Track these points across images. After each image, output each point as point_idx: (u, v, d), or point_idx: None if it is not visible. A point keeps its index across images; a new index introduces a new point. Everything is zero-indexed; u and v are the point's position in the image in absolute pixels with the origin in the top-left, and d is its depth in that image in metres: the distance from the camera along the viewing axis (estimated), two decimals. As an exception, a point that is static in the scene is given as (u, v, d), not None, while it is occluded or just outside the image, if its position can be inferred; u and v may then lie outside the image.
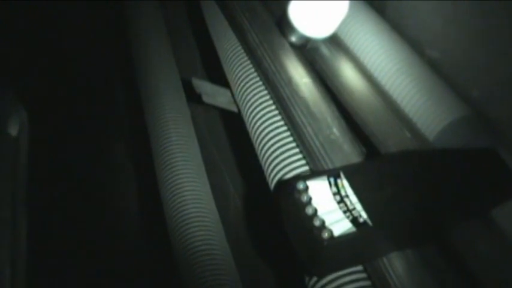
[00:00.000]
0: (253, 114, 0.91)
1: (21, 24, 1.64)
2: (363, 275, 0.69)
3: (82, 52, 1.74)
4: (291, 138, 0.84)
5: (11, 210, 0.97)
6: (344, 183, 0.63)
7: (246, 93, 0.94)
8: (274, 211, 0.69)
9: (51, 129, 1.45)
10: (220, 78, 1.09)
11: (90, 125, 1.61)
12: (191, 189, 1.11)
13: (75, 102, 1.62)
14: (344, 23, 0.90)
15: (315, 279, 0.71)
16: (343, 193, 0.62)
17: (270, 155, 0.85)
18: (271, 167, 0.84)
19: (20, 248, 0.96)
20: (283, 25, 0.93)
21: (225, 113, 1.11)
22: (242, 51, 1.00)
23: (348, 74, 0.90)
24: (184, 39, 1.60)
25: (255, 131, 0.90)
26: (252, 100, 0.92)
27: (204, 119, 1.48)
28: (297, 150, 0.82)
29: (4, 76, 1.31)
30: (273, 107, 0.89)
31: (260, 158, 0.88)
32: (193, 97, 1.11)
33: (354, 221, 0.59)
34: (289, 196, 0.63)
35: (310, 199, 0.61)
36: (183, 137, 1.21)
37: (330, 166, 0.73)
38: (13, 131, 1.06)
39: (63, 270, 1.25)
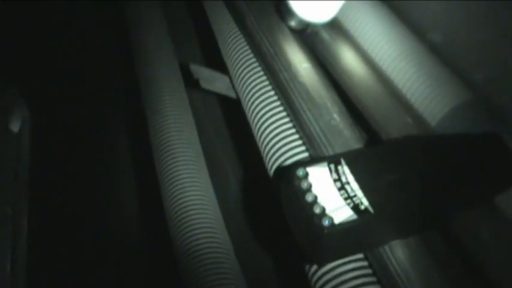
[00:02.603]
0: (252, 100, 0.90)
1: (22, 21, 1.63)
2: (364, 263, 0.68)
3: (81, 44, 1.74)
4: (290, 124, 0.83)
5: (12, 207, 0.97)
6: (345, 169, 0.62)
7: (244, 79, 0.93)
8: (275, 198, 0.68)
9: (51, 123, 1.44)
10: (218, 64, 1.08)
11: (89, 115, 1.60)
12: (190, 178, 1.11)
13: (75, 93, 1.61)
14: (344, 7, 0.89)
15: (315, 267, 0.70)
16: (343, 180, 0.61)
17: (269, 141, 0.84)
18: (270, 154, 0.83)
19: (21, 244, 0.96)
20: (283, 10, 0.92)
21: (224, 98, 1.10)
22: (241, 36, 0.99)
23: (349, 59, 0.89)
24: (182, 24, 1.59)
25: (254, 117, 0.88)
26: (251, 86, 0.91)
27: (203, 105, 1.47)
28: (296, 136, 0.81)
29: (6, 72, 1.31)
30: (272, 93, 0.87)
31: (259, 144, 0.87)
32: (191, 83, 1.10)
33: (355, 208, 0.58)
34: (288, 183, 0.62)
35: (310, 186, 0.60)
36: (181, 124, 1.20)
37: (331, 152, 0.72)
38: (15, 127, 1.06)
39: (63, 268, 1.24)
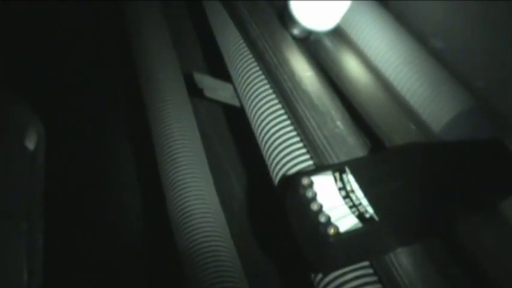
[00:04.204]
0: (256, 108, 0.90)
1: (27, 31, 1.65)
2: (370, 271, 0.68)
3: (83, 51, 1.74)
4: (294, 133, 0.83)
5: (27, 224, 0.97)
6: (349, 178, 0.62)
7: (248, 87, 0.93)
8: (279, 207, 0.68)
9: (59, 133, 1.45)
10: (222, 73, 1.08)
11: (97, 126, 1.61)
12: (194, 186, 1.11)
13: (82, 104, 1.62)
14: (347, 15, 0.89)
15: (320, 275, 0.70)
16: (348, 188, 0.61)
17: (274, 150, 0.84)
18: (274, 162, 0.83)
19: (37, 259, 0.96)
20: (285, 18, 0.92)
21: (227, 107, 1.10)
22: (244, 44, 0.99)
23: (352, 67, 0.90)
24: (185, 33, 1.59)
25: (258, 125, 0.89)
26: (255, 94, 0.91)
27: (206, 113, 1.47)
28: (300, 144, 0.81)
29: (20, 88, 1.31)
30: (276, 101, 0.87)
31: (263, 152, 0.88)
32: (195, 92, 1.11)
33: (360, 216, 0.58)
34: (294, 192, 0.62)
35: (315, 195, 0.60)
36: (185, 133, 1.20)
37: (335, 160, 0.73)
38: (30, 144, 1.06)
39: (79, 280, 1.25)
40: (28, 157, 1.05)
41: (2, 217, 0.96)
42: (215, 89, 1.08)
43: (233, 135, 1.41)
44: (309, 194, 0.60)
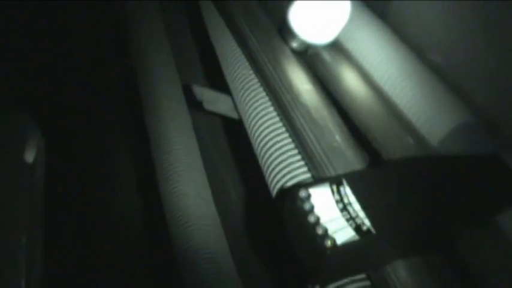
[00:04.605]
0: (254, 121, 0.90)
1: (27, 32, 1.65)
2: (367, 283, 0.68)
3: (86, 50, 1.75)
4: (292, 145, 0.83)
5: (26, 237, 0.97)
6: (347, 190, 0.62)
7: (247, 100, 0.93)
8: (276, 218, 0.68)
9: (60, 134, 1.45)
10: (221, 85, 1.09)
11: (97, 126, 1.61)
12: (193, 197, 1.11)
13: (82, 105, 1.62)
14: (345, 28, 0.90)
15: (317, 287, 0.70)
16: (346, 201, 0.61)
17: (272, 162, 0.84)
18: (273, 174, 0.83)
19: (35, 273, 0.95)
20: (284, 31, 0.93)
21: (226, 120, 1.10)
22: (243, 57, 0.99)
23: (350, 80, 0.90)
24: (185, 45, 1.60)
25: (257, 138, 0.89)
26: (253, 107, 0.91)
27: (205, 125, 1.48)
28: (299, 157, 0.82)
29: (19, 88, 1.31)
30: (274, 114, 0.88)
31: (262, 165, 0.88)
32: (194, 104, 1.11)
33: (357, 229, 0.58)
34: (291, 204, 0.62)
35: (312, 207, 0.60)
36: (183, 144, 1.21)
37: (333, 173, 0.73)
38: (29, 157, 1.06)
39: (73, 275, 1.25)
40: (27, 169, 1.04)
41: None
42: (214, 102, 1.08)
43: (231, 147, 1.41)
44: (307, 207, 0.60)
